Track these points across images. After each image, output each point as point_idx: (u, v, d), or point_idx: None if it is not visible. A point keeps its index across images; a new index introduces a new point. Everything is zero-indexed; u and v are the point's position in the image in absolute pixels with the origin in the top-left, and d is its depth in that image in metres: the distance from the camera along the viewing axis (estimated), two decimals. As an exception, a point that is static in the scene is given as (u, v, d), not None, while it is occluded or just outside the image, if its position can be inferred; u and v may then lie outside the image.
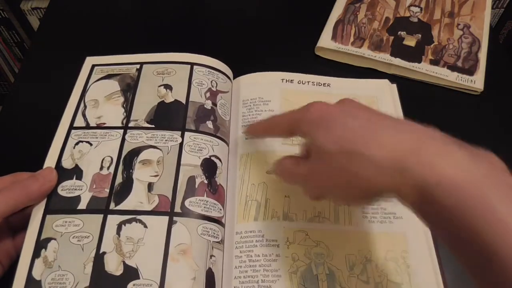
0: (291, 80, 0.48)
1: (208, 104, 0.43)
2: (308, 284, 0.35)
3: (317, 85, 0.49)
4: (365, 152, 0.27)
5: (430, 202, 0.25)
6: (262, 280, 0.35)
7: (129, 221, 0.35)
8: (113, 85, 0.44)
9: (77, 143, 0.40)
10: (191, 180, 0.38)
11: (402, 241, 0.38)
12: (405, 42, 0.54)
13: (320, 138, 0.30)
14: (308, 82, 0.49)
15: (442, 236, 0.26)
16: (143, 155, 0.39)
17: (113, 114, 0.42)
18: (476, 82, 0.50)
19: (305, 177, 0.33)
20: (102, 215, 0.36)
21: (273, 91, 0.47)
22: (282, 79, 0.48)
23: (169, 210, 0.36)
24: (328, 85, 0.49)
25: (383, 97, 0.48)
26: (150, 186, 0.37)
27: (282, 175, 0.35)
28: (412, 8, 0.57)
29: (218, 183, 0.39)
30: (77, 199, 0.37)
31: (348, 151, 0.28)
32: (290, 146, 0.43)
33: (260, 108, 0.46)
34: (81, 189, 0.37)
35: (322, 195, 0.33)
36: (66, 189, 0.37)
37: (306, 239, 0.38)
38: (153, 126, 0.41)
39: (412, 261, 0.37)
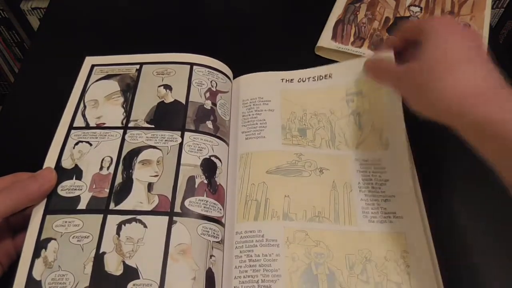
0: (291, 80, 0.48)
1: (208, 104, 0.43)
2: (308, 284, 0.35)
3: (317, 79, 0.48)
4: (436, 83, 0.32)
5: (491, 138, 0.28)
6: (262, 280, 0.35)
7: (129, 221, 0.35)
8: (113, 85, 0.44)
9: (76, 143, 0.40)
10: (191, 180, 0.38)
11: (402, 241, 0.38)
12: (405, 42, 0.54)
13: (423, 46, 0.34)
14: (309, 78, 0.48)
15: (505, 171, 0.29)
16: (143, 155, 0.39)
17: (113, 114, 0.42)
18: (476, 82, 0.50)
19: (400, 76, 0.36)
20: (102, 215, 0.36)
21: (273, 91, 0.47)
22: (282, 79, 0.48)
23: (169, 210, 0.36)
24: (329, 77, 0.48)
25: None
26: (150, 186, 0.37)
27: (375, 72, 0.39)
28: (412, 8, 0.57)
29: (218, 183, 0.39)
30: (77, 199, 0.37)
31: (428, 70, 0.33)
32: (290, 146, 0.43)
33: (260, 108, 0.46)
34: (81, 189, 0.37)
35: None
36: (66, 189, 0.37)
37: (306, 239, 0.38)
38: (153, 126, 0.41)
39: (412, 261, 0.37)
